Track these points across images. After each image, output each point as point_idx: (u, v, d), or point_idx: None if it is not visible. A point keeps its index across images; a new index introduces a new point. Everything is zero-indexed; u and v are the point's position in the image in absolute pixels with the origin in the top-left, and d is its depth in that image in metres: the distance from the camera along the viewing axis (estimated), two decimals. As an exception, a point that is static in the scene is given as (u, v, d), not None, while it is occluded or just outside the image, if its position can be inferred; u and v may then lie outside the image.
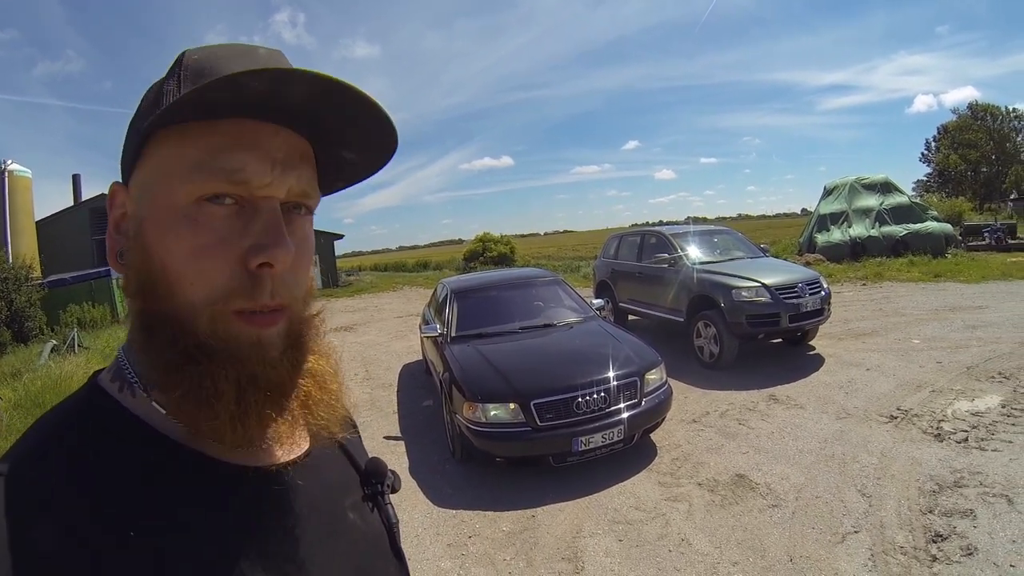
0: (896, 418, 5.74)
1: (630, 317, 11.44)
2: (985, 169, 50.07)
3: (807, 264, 15.14)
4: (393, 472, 0.90)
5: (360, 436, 1.00)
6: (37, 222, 27.70)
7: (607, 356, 5.53)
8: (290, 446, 0.74)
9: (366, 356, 11.50)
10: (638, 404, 5.26)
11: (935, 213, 20.10)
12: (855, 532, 3.94)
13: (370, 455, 0.93)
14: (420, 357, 9.80)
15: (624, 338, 6.19)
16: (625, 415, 5.13)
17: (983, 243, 19.66)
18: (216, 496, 0.63)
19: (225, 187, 0.61)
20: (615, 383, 5.20)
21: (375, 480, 0.86)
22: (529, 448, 5.01)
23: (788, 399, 6.70)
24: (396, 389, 8.81)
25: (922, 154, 55.32)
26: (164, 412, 0.64)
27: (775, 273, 8.46)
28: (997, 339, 8.16)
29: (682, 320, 9.12)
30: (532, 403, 5.01)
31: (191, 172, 0.60)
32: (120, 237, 0.67)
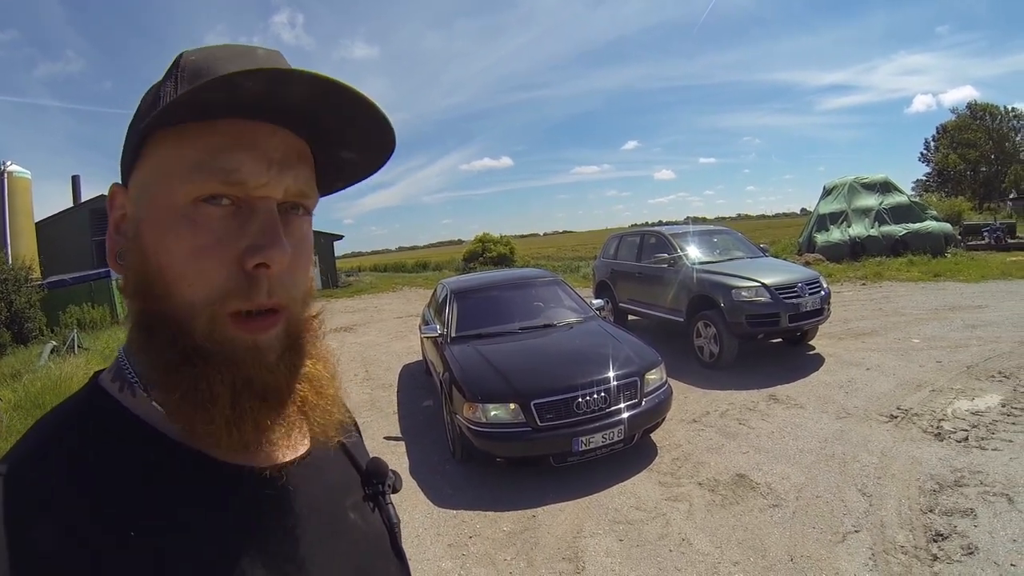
0: (896, 417, 5.74)
1: (630, 317, 11.44)
2: (984, 169, 50.06)
3: (807, 264, 15.15)
4: (394, 472, 0.90)
5: (361, 436, 1.00)
6: (37, 223, 27.69)
7: (607, 356, 5.54)
8: (291, 447, 0.74)
9: (366, 356, 11.50)
10: (638, 404, 5.26)
11: (934, 213, 20.10)
12: (856, 531, 3.94)
13: (371, 455, 0.93)
14: (420, 357, 9.80)
15: (624, 338, 6.20)
16: (625, 415, 5.12)
17: (982, 242, 19.65)
18: (216, 496, 0.63)
19: (221, 187, 0.61)
20: (615, 383, 5.20)
21: (376, 480, 0.86)
22: (529, 448, 5.01)
23: (788, 399, 6.70)
24: (396, 389, 8.80)
25: (921, 154, 55.34)
26: (164, 412, 0.63)
27: (775, 273, 8.47)
28: (997, 338, 8.17)
29: (682, 320, 9.12)
30: (532, 403, 5.01)
31: (188, 173, 0.60)
32: (120, 238, 0.67)
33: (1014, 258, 16.23)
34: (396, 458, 5.99)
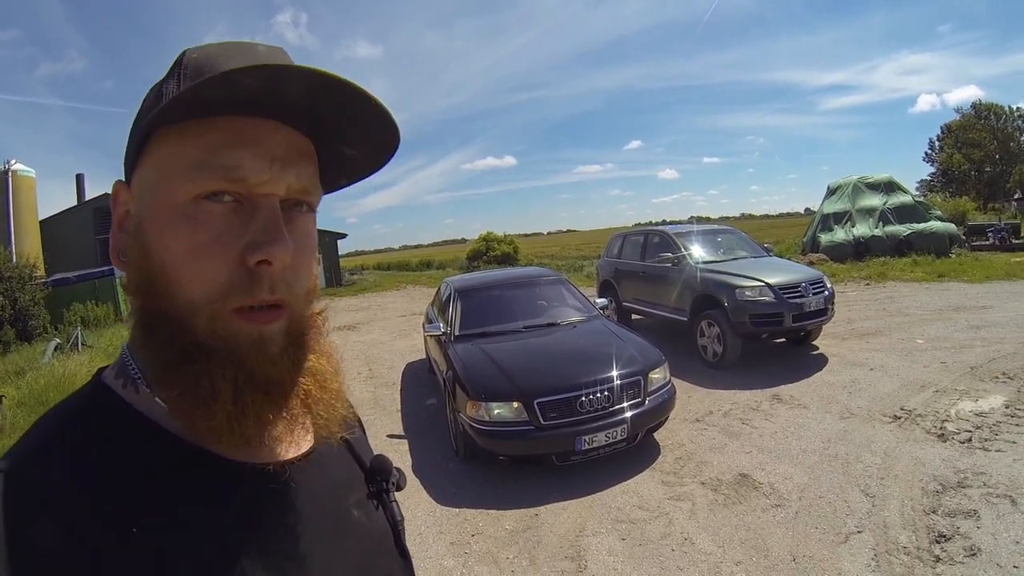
0: (900, 418, 5.73)
1: (634, 316, 11.46)
2: (989, 169, 49.91)
3: (810, 264, 15.11)
4: (398, 470, 0.90)
5: (365, 434, 1.01)
6: (41, 221, 27.76)
7: (611, 355, 5.54)
8: (294, 444, 0.74)
9: (369, 355, 11.51)
10: (642, 403, 5.26)
11: (939, 213, 20.05)
12: (858, 532, 3.93)
13: (375, 453, 0.93)
14: (423, 356, 9.80)
15: (628, 337, 6.20)
16: (628, 414, 5.13)
17: (987, 243, 19.57)
18: (218, 493, 0.63)
19: (223, 184, 0.61)
20: (619, 382, 5.20)
21: (380, 478, 0.86)
22: (532, 447, 5.01)
23: (792, 399, 6.69)
24: (399, 388, 8.82)
25: (926, 153, 55.20)
26: (167, 409, 0.63)
27: (779, 273, 8.46)
28: (1001, 339, 8.14)
29: (686, 319, 9.13)
30: (536, 402, 5.01)
31: (190, 170, 0.61)
32: (123, 235, 0.67)
33: (1018, 258, 16.17)
34: (399, 456, 6.00)
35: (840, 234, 19.58)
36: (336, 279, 35.16)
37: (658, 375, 5.54)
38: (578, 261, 35.19)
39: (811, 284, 8.19)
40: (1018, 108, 50.58)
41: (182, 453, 0.63)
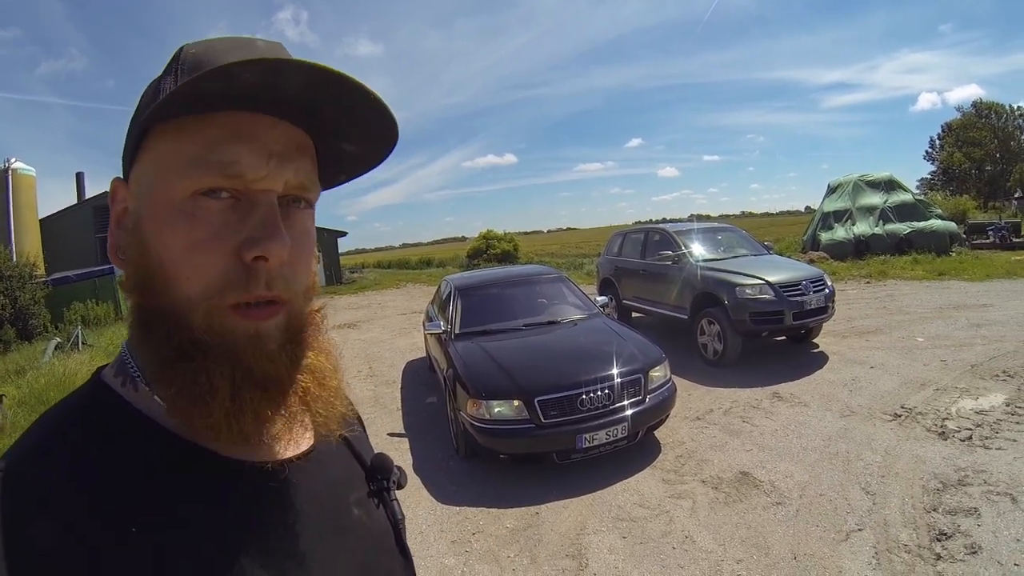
0: (900, 416, 5.73)
1: (634, 314, 11.46)
2: (989, 167, 49.92)
3: (811, 262, 15.11)
4: (399, 468, 0.90)
5: (366, 432, 1.00)
6: (41, 220, 27.79)
7: (611, 353, 5.54)
8: (293, 442, 0.74)
9: (370, 353, 11.52)
10: (642, 401, 5.26)
11: (939, 211, 20.02)
12: (859, 530, 3.93)
13: (375, 451, 0.93)
14: (424, 354, 9.81)
15: (628, 335, 6.20)
16: (629, 412, 5.13)
17: (987, 241, 19.57)
18: (217, 492, 0.63)
19: (220, 181, 0.61)
20: (619, 380, 5.21)
21: (381, 476, 0.86)
22: (533, 445, 5.01)
23: (792, 397, 6.69)
24: (400, 386, 8.82)
25: (926, 152, 55.23)
26: (166, 407, 0.63)
27: (779, 271, 8.46)
28: (1001, 337, 8.15)
29: (686, 317, 9.13)
30: (536, 400, 5.01)
31: (187, 166, 0.60)
32: (120, 232, 0.67)
33: (1019, 257, 16.17)
34: (400, 454, 6.00)
35: (840, 232, 19.58)
36: (336, 277, 35.17)
37: (658, 373, 5.54)
38: (578, 259, 35.17)
39: (811, 282, 8.19)
40: (1019, 107, 50.66)
41: (181, 451, 0.62)
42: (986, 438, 5.06)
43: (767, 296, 7.90)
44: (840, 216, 20.08)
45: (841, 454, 5.07)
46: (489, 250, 38.80)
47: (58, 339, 13.45)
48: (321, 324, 0.75)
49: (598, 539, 4.21)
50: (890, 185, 20.31)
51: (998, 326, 8.86)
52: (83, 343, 13.40)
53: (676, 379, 5.91)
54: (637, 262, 10.91)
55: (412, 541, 0.88)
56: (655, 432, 5.77)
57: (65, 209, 30.97)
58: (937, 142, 54.07)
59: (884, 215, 19.35)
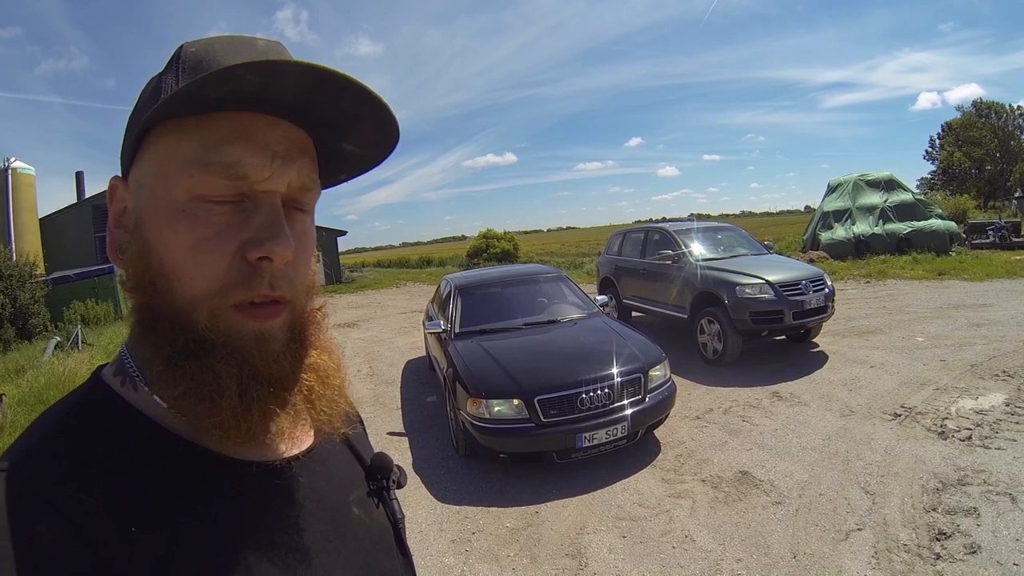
0: (900, 416, 5.73)
1: (634, 314, 11.47)
2: (989, 167, 49.93)
3: (811, 261, 15.11)
4: (399, 467, 0.90)
5: (366, 431, 1.01)
6: (41, 219, 27.79)
7: (611, 352, 5.54)
8: (294, 441, 0.74)
9: (370, 352, 11.51)
10: (642, 401, 5.27)
11: (939, 211, 19.99)
12: (859, 529, 3.94)
13: (374, 450, 0.93)
14: (424, 353, 9.82)
15: (628, 335, 6.20)
16: (629, 411, 5.13)
17: (987, 241, 19.53)
18: (218, 491, 0.63)
19: (224, 182, 0.61)
20: (619, 379, 5.21)
21: (381, 475, 0.86)
22: (533, 444, 5.01)
23: (792, 396, 6.70)
24: (400, 385, 8.82)
25: (926, 151, 55.24)
26: (166, 407, 0.63)
27: (779, 270, 8.46)
28: (1001, 337, 8.15)
29: (686, 317, 9.13)
30: (536, 399, 5.01)
31: (188, 166, 0.60)
32: (120, 232, 0.67)
33: (1019, 257, 16.16)
34: (400, 454, 6.00)
35: (840, 232, 19.55)
36: (336, 276, 35.14)
37: (658, 372, 5.54)
38: (578, 258, 35.17)
39: (811, 282, 8.19)
40: (1019, 106, 50.69)
41: (182, 451, 0.63)
42: (986, 438, 5.06)
43: (767, 295, 7.90)
44: (840, 216, 20.05)
45: (841, 454, 5.07)
46: (489, 249, 38.79)
47: (58, 338, 13.44)
48: (323, 322, 0.75)
49: (598, 538, 4.21)
50: (890, 185, 20.28)
51: (998, 326, 8.86)
52: (83, 342, 13.38)
53: (676, 378, 5.92)
54: (637, 261, 10.90)
55: (412, 540, 0.88)
56: (655, 431, 5.78)
57: (65, 208, 30.96)
58: (937, 141, 54.10)
59: (884, 215, 19.32)
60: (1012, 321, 9.05)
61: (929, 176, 54.47)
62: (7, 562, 0.49)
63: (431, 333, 7.40)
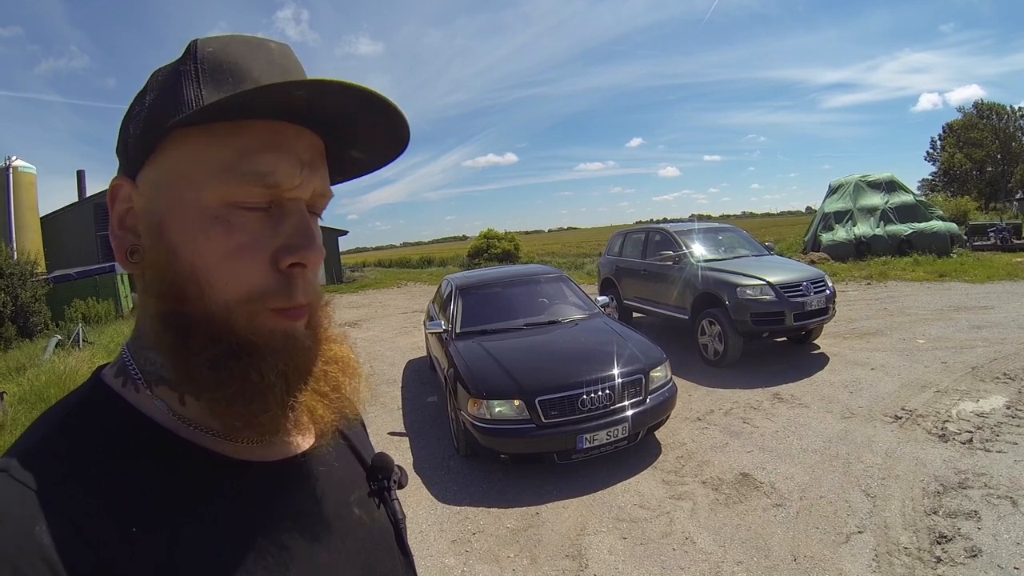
0: (901, 418, 5.73)
1: (634, 315, 11.47)
2: (991, 168, 49.90)
3: (812, 263, 15.11)
4: (400, 467, 0.90)
5: (367, 432, 1.01)
6: (42, 218, 27.83)
7: (612, 353, 5.54)
8: (295, 442, 0.75)
9: (370, 352, 11.51)
10: (643, 402, 5.27)
11: (940, 212, 19.96)
12: (859, 532, 3.94)
13: (375, 450, 0.93)
14: (424, 353, 9.83)
15: (629, 335, 6.19)
16: (630, 413, 5.13)
17: (988, 243, 19.50)
18: (219, 491, 0.63)
19: (258, 190, 0.62)
20: (620, 380, 5.21)
21: (382, 475, 0.86)
22: (533, 445, 5.01)
23: (792, 398, 6.70)
24: (400, 385, 8.82)
25: (927, 153, 55.20)
26: (167, 408, 0.64)
27: (780, 271, 8.46)
28: (1002, 339, 8.14)
29: (687, 318, 9.13)
30: (537, 400, 5.01)
31: (223, 173, 0.61)
32: (126, 234, 0.66)
33: (1020, 259, 16.16)
34: (400, 454, 6.01)
35: (841, 233, 19.53)
36: (337, 276, 35.15)
37: (659, 373, 5.54)
38: (579, 259, 35.17)
39: (812, 283, 8.19)
40: (1020, 108, 50.58)
41: (183, 452, 0.63)
42: (987, 441, 5.06)
43: (768, 297, 7.90)
44: (841, 217, 20.03)
45: (841, 456, 5.07)
46: (490, 249, 38.77)
47: (59, 337, 13.46)
48: (332, 317, 0.76)
49: (598, 540, 4.21)
50: (891, 186, 20.26)
51: (999, 328, 8.86)
52: (84, 341, 13.40)
53: (677, 380, 5.91)
54: (638, 262, 10.91)
55: (412, 540, 0.88)
56: (656, 433, 5.78)
57: (66, 207, 30.98)
58: (938, 143, 54.08)
59: (885, 216, 19.30)
60: (1013, 323, 9.05)
61: (930, 177, 54.49)
62: (7, 563, 0.49)
63: (432, 333, 7.40)
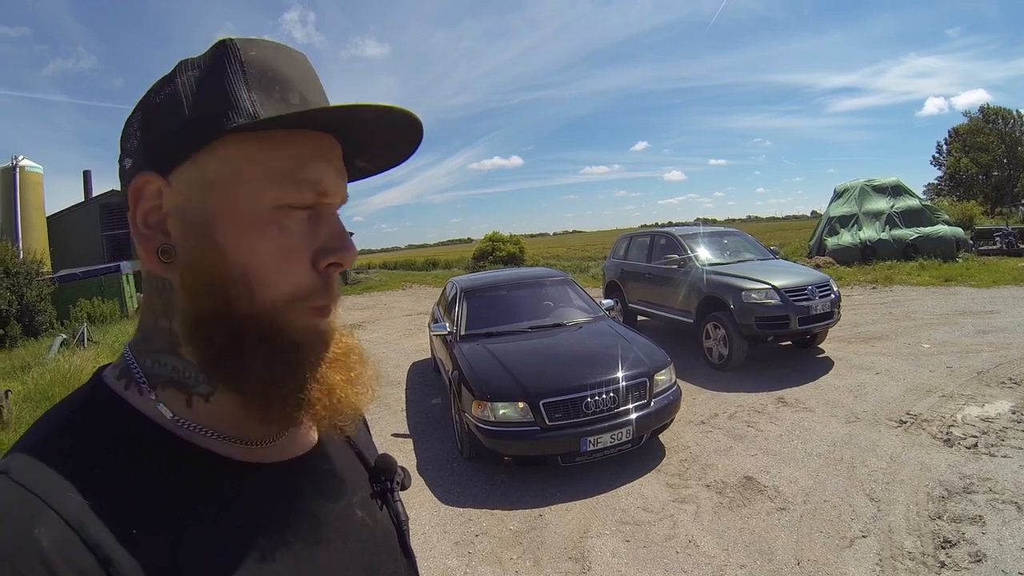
0: (905, 423, 5.71)
1: (639, 318, 11.43)
2: (997, 173, 49.70)
3: (817, 267, 15.07)
4: (403, 468, 0.90)
5: (370, 432, 1.01)
6: (48, 217, 27.87)
7: (616, 356, 5.53)
8: (298, 443, 0.75)
9: (375, 354, 11.47)
10: (647, 405, 5.26)
11: (946, 217, 19.90)
12: (863, 537, 3.93)
13: (379, 451, 0.93)
14: (429, 355, 9.83)
15: (633, 339, 6.19)
16: (634, 416, 5.13)
17: (994, 247, 19.43)
18: (221, 493, 0.63)
19: (311, 196, 0.65)
20: (624, 383, 5.20)
21: (384, 477, 0.86)
22: (537, 447, 5.01)
23: (797, 402, 6.68)
24: (405, 387, 8.82)
25: (933, 157, 54.99)
26: (169, 412, 0.64)
27: (785, 275, 8.44)
28: (1008, 344, 8.12)
29: (691, 321, 9.12)
30: (541, 402, 5.01)
31: (280, 178, 0.63)
32: (154, 232, 0.65)
33: (1026, 263, 16.12)
34: (404, 455, 6.01)
35: (846, 237, 19.47)
36: (342, 277, 35.06)
37: (664, 377, 5.53)
38: (584, 262, 35.12)
39: (817, 287, 8.17)
40: (1026, 113, 50.37)
41: (185, 454, 0.63)
42: (992, 446, 5.04)
43: (773, 301, 7.89)
44: (846, 221, 19.98)
45: (846, 460, 5.06)
46: (495, 252, 38.73)
47: (64, 336, 13.50)
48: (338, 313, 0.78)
49: (601, 542, 4.21)
50: (897, 190, 20.20)
51: (1005, 333, 8.82)
52: (88, 340, 13.44)
53: (681, 383, 5.91)
54: (643, 265, 10.89)
55: (415, 542, 0.89)
56: (660, 436, 5.77)
57: (72, 207, 31.00)
58: (944, 147, 53.89)
59: (890, 220, 19.25)
60: (1019, 328, 9.02)
61: (936, 182, 54.26)
62: (7, 564, 0.49)
63: (436, 335, 7.40)
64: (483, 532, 4.48)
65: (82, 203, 31.47)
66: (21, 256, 17.48)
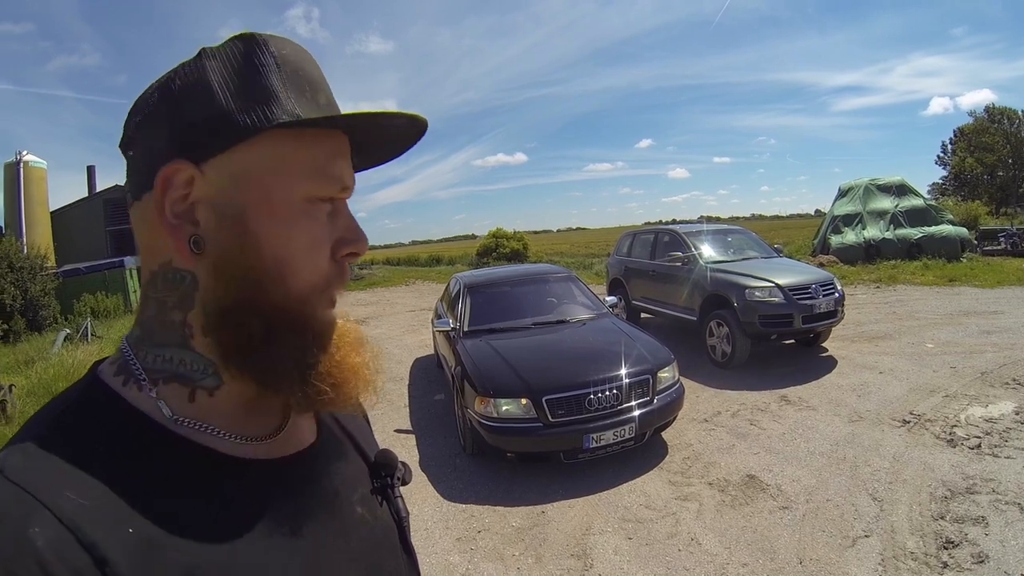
0: (909, 422, 5.71)
1: (643, 315, 11.44)
2: (1002, 173, 49.55)
3: (821, 265, 15.04)
4: (404, 464, 0.90)
5: (371, 428, 1.01)
6: (52, 212, 27.94)
7: (620, 353, 5.53)
8: (298, 438, 0.75)
9: (378, 349, 11.48)
10: (650, 402, 5.26)
11: (950, 216, 19.84)
12: (866, 536, 3.93)
13: (380, 447, 0.93)
14: (432, 351, 9.82)
15: (637, 336, 6.19)
16: (637, 413, 5.13)
17: (999, 248, 19.36)
18: (221, 491, 0.63)
19: (337, 191, 0.69)
20: (627, 381, 5.20)
21: (385, 472, 0.86)
22: (540, 444, 5.02)
23: (800, 400, 6.68)
24: (408, 383, 8.82)
25: (938, 157, 54.85)
26: (168, 409, 0.64)
27: (789, 274, 8.42)
28: (1012, 345, 8.10)
29: (695, 319, 9.11)
30: (544, 399, 5.01)
31: (314, 173, 0.66)
32: (183, 223, 0.63)
33: (1031, 264, 16.09)
34: (406, 451, 6.02)
35: (851, 236, 19.42)
36: (345, 273, 35.14)
37: (667, 374, 5.53)
38: (588, 259, 35.07)
39: (821, 286, 8.16)
40: (1031, 113, 50.21)
41: (184, 452, 0.63)
42: (995, 446, 5.04)
43: (776, 299, 7.88)
44: (850, 220, 19.92)
45: (849, 459, 5.06)
46: (499, 248, 38.71)
47: (67, 330, 13.54)
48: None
49: (604, 539, 4.21)
50: (901, 189, 20.14)
51: (1009, 333, 8.81)
52: (92, 335, 13.48)
53: (684, 381, 5.91)
54: (647, 263, 10.89)
55: (417, 538, 0.88)
56: (662, 433, 5.78)
57: (76, 202, 31.09)
58: (949, 147, 53.73)
59: (895, 219, 19.19)
60: (1023, 329, 8.99)
61: (940, 181, 54.11)
62: (2, 564, 0.49)
63: (440, 331, 7.39)
64: (485, 528, 4.49)
65: (86, 198, 31.54)
66: (25, 251, 17.54)
